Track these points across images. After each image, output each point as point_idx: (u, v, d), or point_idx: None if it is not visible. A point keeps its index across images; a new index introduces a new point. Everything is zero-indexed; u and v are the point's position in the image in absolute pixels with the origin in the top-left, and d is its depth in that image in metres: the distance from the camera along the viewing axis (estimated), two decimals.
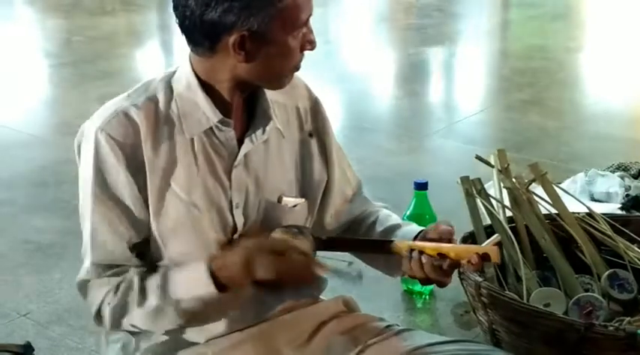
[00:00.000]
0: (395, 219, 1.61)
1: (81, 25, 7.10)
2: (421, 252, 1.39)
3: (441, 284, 1.42)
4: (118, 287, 1.42)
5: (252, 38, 1.33)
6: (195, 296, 1.38)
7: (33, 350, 1.89)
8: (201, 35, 1.35)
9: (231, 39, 1.32)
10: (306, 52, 1.42)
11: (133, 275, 1.42)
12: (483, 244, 1.44)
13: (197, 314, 1.42)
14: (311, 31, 1.40)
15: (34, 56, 6.30)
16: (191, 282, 1.38)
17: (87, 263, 1.45)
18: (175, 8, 1.36)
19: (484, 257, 1.37)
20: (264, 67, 1.37)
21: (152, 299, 1.40)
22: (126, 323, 1.43)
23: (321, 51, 6.46)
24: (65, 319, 2.50)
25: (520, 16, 7.87)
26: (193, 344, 1.50)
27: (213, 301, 1.38)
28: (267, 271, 1.32)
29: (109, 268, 1.44)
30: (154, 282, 1.41)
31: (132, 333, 1.50)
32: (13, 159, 3.94)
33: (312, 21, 1.39)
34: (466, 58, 6.17)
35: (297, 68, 1.43)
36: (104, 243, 1.42)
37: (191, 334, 1.49)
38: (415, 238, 1.48)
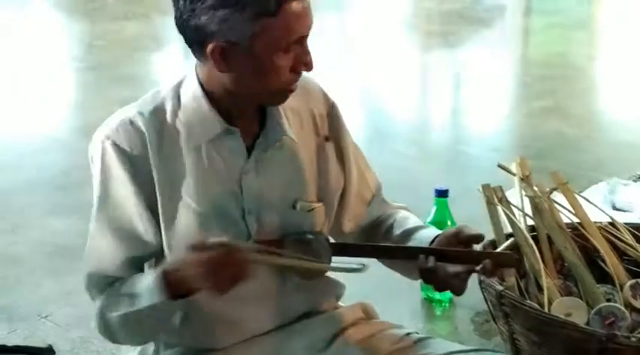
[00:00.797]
0: (413, 221, 1.59)
1: (103, 30, 7.15)
2: (437, 259, 1.38)
3: (457, 292, 1.40)
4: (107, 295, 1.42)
5: (231, 50, 1.32)
6: (146, 306, 1.35)
7: (54, 352, 1.90)
8: (189, 38, 1.35)
9: (210, 46, 1.32)
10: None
11: (119, 284, 1.42)
12: (498, 249, 1.43)
13: (211, 323, 1.43)
14: (307, 52, 1.36)
15: (56, 60, 6.34)
16: (146, 289, 1.35)
17: (84, 272, 1.46)
18: (174, 6, 1.36)
19: (501, 262, 1.36)
20: (246, 81, 1.36)
21: (123, 307, 1.38)
22: (112, 330, 1.42)
23: (341, 57, 6.46)
24: (85, 322, 2.49)
25: (541, 23, 7.83)
26: (212, 350, 1.50)
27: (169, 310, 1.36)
28: (199, 282, 1.28)
29: (104, 280, 1.43)
30: (126, 289, 1.40)
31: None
32: (35, 162, 3.97)
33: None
34: (487, 64, 6.15)
35: (290, 87, 1.39)
36: (101, 255, 1.42)
37: (210, 340, 1.49)
38: (432, 243, 1.47)
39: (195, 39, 1.34)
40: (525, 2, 9.09)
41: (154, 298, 1.33)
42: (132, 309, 1.37)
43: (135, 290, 1.38)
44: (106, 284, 1.43)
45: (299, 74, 1.38)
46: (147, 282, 1.36)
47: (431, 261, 1.37)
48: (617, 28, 7.51)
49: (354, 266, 1.41)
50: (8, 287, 2.78)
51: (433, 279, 1.39)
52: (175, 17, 1.35)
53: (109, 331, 1.44)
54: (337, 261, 1.46)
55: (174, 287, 1.32)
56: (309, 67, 1.37)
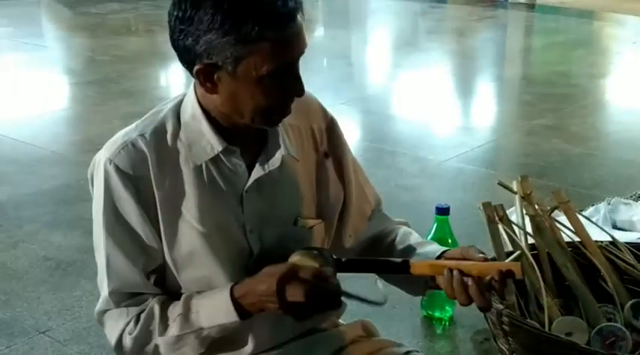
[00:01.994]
0: (415, 237, 1.59)
1: (105, 44, 7.18)
2: (463, 273, 1.37)
3: (485, 308, 1.38)
4: (138, 316, 1.42)
5: (216, 72, 1.32)
6: (217, 324, 1.38)
7: None
8: (180, 58, 1.36)
9: (196, 68, 1.33)
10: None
11: (154, 304, 1.42)
12: (506, 261, 1.42)
13: (215, 341, 1.42)
14: (296, 79, 1.35)
15: (58, 74, 6.37)
16: (214, 310, 1.39)
17: (104, 293, 1.45)
18: (168, 25, 1.36)
19: (507, 274, 1.35)
20: (231, 104, 1.36)
21: (174, 328, 1.40)
22: (147, 351, 1.43)
23: (343, 73, 6.48)
24: (84, 337, 2.50)
25: (543, 42, 7.87)
26: None
27: (235, 328, 1.39)
28: (297, 296, 1.31)
29: (127, 297, 1.44)
30: (175, 310, 1.41)
31: None
32: (37, 177, 3.97)
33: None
34: (489, 82, 6.17)
35: (281, 112, 1.39)
36: (120, 271, 1.42)
37: None
38: (438, 258, 1.46)
39: (184, 59, 1.35)
40: (526, 21, 9.14)
41: (227, 318, 1.38)
42: (193, 329, 1.39)
43: (196, 312, 1.40)
44: (130, 303, 1.44)
45: (290, 100, 1.38)
46: (216, 304, 1.39)
47: (456, 276, 1.36)
48: (619, 46, 7.54)
49: (379, 300, 1.44)
50: (8, 302, 2.78)
51: (448, 291, 1.37)
52: (169, 36, 1.36)
53: (142, 351, 1.43)
54: (359, 289, 1.47)
55: (244, 309, 1.38)
56: (298, 93, 1.37)
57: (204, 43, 1.29)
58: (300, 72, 1.35)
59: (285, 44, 1.30)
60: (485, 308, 1.38)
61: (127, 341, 1.42)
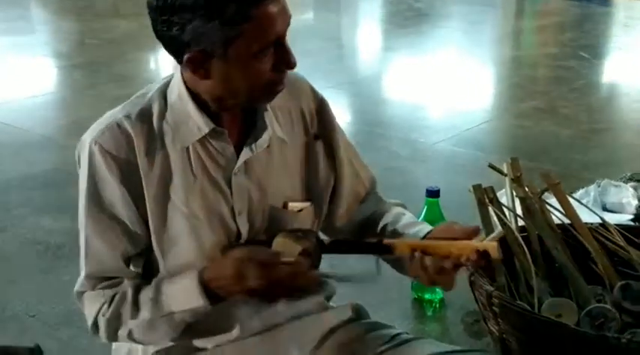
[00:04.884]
0: (407, 217, 1.59)
1: (94, 28, 7.13)
2: (425, 253, 1.37)
3: (446, 287, 1.39)
4: (112, 298, 1.42)
5: (206, 58, 1.31)
6: (187, 309, 1.38)
7: (42, 352, 1.88)
8: (167, 47, 1.34)
9: (186, 57, 1.31)
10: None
11: (127, 288, 1.42)
12: (484, 240, 1.41)
13: (190, 327, 1.42)
14: (287, 51, 1.34)
15: (47, 58, 6.33)
16: (183, 294, 1.38)
17: (82, 274, 1.45)
18: (149, 16, 1.34)
19: (484, 253, 1.35)
20: (225, 87, 1.35)
21: (145, 312, 1.40)
22: (121, 334, 1.43)
23: (333, 55, 6.46)
24: (74, 321, 2.49)
25: (533, 24, 7.85)
26: (200, 350, 1.50)
27: (205, 313, 1.39)
28: (257, 281, 1.31)
29: (103, 280, 1.44)
30: (146, 294, 1.41)
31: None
32: (25, 160, 3.95)
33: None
34: (479, 65, 6.16)
35: (276, 87, 1.38)
36: (97, 254, 1.42)
37: (198, 340, 1.49)
38: (423, 238, 1.46)
39: (172, 49, 1.34)
40: (516, 3, 9.12)
41: (196, 303, 1.37)
42: (163, 313, 1.39)
43: (166, 296, 1.39)
44: (105, 286, 1.43)
45: (283, 73, 1.37)
46: (185, 288, 1.38)
47: (416, 256, 1.36)
48: (610, 28, 7.54)
49: (368, 275, 1.45)
50: None
51: (422, 275, 1.38)
52: (152, 27, 1.34)
53: (115, 334, 1.43)
54: (333, 270, 1.47)
55: (213, 293, 1.37)
56: (290, 65, 1.36)
57: (190, 31, 1.27)
58: (288, 43, 1.34)
59: (271, 19, 1.28)
60: (446, 288, 1.39)
61: (102, 323, 1.42)
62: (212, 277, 1.37)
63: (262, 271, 1.31)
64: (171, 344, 1.48)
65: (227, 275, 1.34)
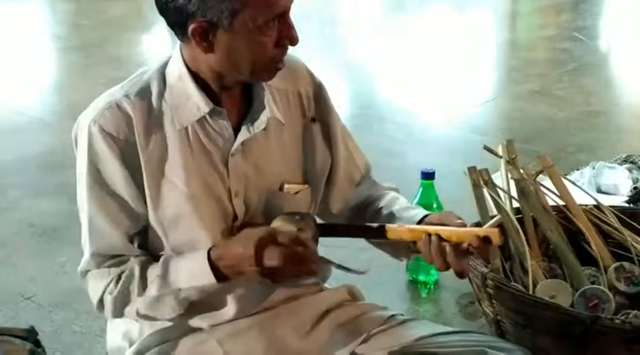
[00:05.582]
0: (402, 202, 1.59)
1: (89, 9, 7.08)
2: (441, 239, 1.37)
3: (463, 274, 1.38)
4: (119, 276, 1.42)
5: (212, 29, 1.31)
6: (195, 286, 1.39)
7: (37, 334, 1.89)
8: (170, 21, 1.35)
9: (191, 27, 1.31)
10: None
11: (134, 265, 1.42)
12: (484, 226, 1.41)
13: (197, 304, 1.43)
14: (290, 26, 1.35)
15: (42, 39, 6.29)
16: (191, 272, 1.39)
17: (87, 253, 1.45)
18: None
19: (485, 239, 1.35)
20: (229, 60, 1.35)
21: (152, 289, 1.40)
22: (128, 311, 1.44)
23: (330, 37, 6.41)
24: (69, 303, 2.50)
25: (529, 7, 7.82)
26: (196, 330, 1.50)
27: (213, 290, 1.39)
28: (274, 260, 1.31)
29: (108, 258, 1.44)
30: (154, 271, 1.41)
31: (135, 320, 1.50)
32: (20, 143, 3.94)
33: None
34: (475, 47, 6.14)
35: (277, 63, 1.39)
36: (102, 233, 1.42)
37: (194, 320, 1.50)
38: (418, 224, 1.46)
39: (176, 21, 1.34)
40: None
41: (206, 280, 1.37)
42: (171, 290, 1.39)
43: (174, 274, 1.39)
44: (111, 264, 1.44)
45: (285, 48, 1.37)
46: (194, 266, 1.38)
47: (434, 241, 1.36)
48: (606, 10, 7.52)
49: (359, 269, 1.46)
50: None
51: (438, 261, 1.37)
52: (155, 1, 1.34)
53: (122, 311, 1.44)
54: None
55: (220, 271, 1.37)
56: (293, 41, 1.36)
57: (196, 1, 1.27)
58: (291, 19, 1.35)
59: None
60: (461, 275, 1.38)
61: (108, 301, 1.43)
62: (222, 255, 1.37)
63: (281, 252, 1.31)
64: (168, 324, 1.49)
65: (242, 255, 1.34)
